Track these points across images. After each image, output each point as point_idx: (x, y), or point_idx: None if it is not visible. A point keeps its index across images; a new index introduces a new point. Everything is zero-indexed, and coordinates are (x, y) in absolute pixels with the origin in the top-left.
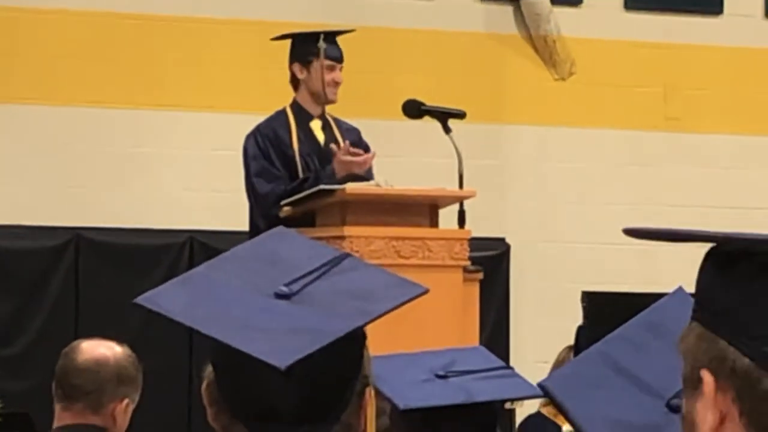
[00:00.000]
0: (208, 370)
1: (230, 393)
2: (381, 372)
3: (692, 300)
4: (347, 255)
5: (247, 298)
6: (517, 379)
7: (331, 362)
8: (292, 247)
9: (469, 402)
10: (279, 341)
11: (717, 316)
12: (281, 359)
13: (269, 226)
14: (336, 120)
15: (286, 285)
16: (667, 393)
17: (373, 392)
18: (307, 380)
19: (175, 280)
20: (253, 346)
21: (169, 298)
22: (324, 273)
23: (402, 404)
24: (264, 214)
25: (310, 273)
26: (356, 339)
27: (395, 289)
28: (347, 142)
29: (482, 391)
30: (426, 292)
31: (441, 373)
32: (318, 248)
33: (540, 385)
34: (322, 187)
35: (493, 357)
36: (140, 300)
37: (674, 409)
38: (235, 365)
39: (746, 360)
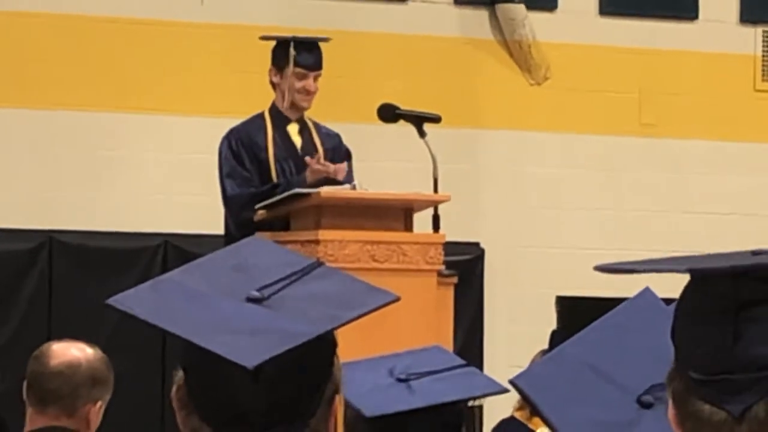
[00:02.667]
0: (179, 374)
1: (199, 396)
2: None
3: (658, 299)
4: (320, 263)
5: (217, 302)
6: (479, 377)
7: (300, 367)
8: (266, 255)
9: (433, 404)
10: (247, 342)
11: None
12: (248, 359)
13: (239, 229)
14: (316, 124)
15: (258, 290)
16: (637, 389)
17: (342, 400)
18: (275, 384)
19: (146, 283)
20: (220, 346)
21: (140, 300)
22: (296, 279)
23: (368, 412)
24: (233, 216)
25: (283, 279)
26: (326, 345)
27: (366, 295)
28: (319, 153)
29: (445, 391)
30: (397, 299)
31: (402, 376)
32: (292, 256)
33: (511, 382)
34: (296, 190)
35: (451, 355)
36: (111, 301)
37: (645, 405)
38: (204, 368)
39: (680, 384)
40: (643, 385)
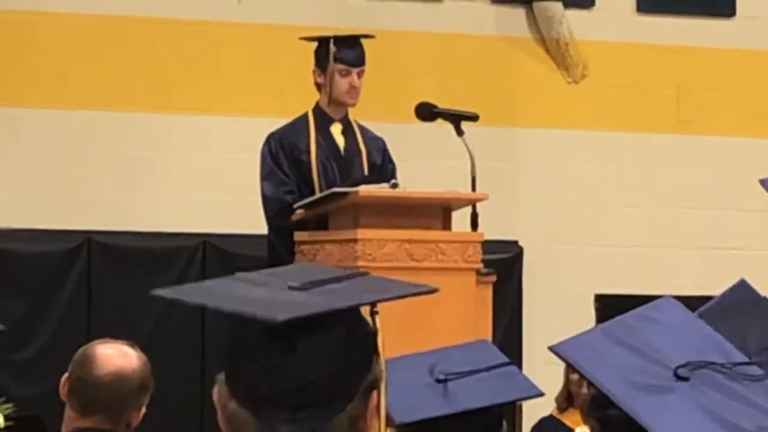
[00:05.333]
0: (221, 376)
1: (237, 379)
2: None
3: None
4: (364, 273)
5: (259, 289)
6: (517, 378)
7: (338, 349)
8: (312, 268)
9: (467, 409)
10: (277, 308)
11: None
12: (275, 316)
13: (274, 233)
14: (361, 127)
15: (300, 284)
16: (674, 363)
17: (382, 396)
18: (311, 363)
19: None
20: (250, 309)
21: (184, 290)
22: (340, 280)
23: (397, 418)
24: (267, 219)
25: (326, 280)
26: (365, 333)
27: (403, 285)
28: (362, 155)
29: (480, 396)
30: (436, 290)
31: (441, 377)
32: (335, 270)
33: (551, 348)
34: (334, 189)
35: (495, 352)
36: (157, 292)
37: (682, 378)
38: (242, 347)
39: None
40: (681, 360)
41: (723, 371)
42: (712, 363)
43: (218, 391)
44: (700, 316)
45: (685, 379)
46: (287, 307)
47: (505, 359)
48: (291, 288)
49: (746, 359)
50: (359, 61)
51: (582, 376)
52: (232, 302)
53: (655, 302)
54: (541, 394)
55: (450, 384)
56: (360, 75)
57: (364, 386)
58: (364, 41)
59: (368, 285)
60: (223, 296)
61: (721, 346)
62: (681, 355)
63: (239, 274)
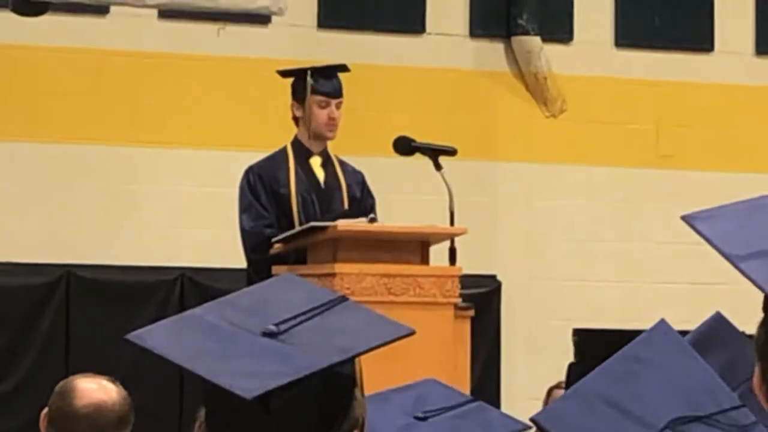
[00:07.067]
0: (201, 411)
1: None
2: None
3: (673, 331)
4: (344, 298)
5: (233, 337)
6: (495, 413)
7: (314, 402)
8: (292, 290)
9: None
10: (251, 374)
11: None
12: (248, 390)
13: (254, 268)
14: (341, 161)
15: (275, 324)
16: (658, 423)
17: None
18: (287, 420)
19: (168, 319)
20: (223, 377)
21: (158, 336)
22: (317, 314)
23: None
24: (245, 252)
25: (302, 314)
26: (343, 380)
27: (381, 328)
28: (342, 188)
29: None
30: (412, 333)
31: (420, 414)
32: (317, 292)
33: (533, 419)
34: (313, 224)
35: (453, 389)
36: (130, 336)
37: None
38: (221, 403)
39: None
40: (663, 420)
41: (710, 424)
42: (699, 417)
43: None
44: None
45: None
46: (258, 376)
47: (468, 396)
48: (265, 334)
49: (738, 403)
50: (337, 92)
51: None
52: (201, 363)
53: (650, 335)
54: (529, 427)
55: (431, 420)
56: (338, 106)
57: (344, 431)
58: (341, 74)
59: (345, 324)
60: (195, 352)
61: (712, 389)
62: (670, 409)
63: (213, 306)
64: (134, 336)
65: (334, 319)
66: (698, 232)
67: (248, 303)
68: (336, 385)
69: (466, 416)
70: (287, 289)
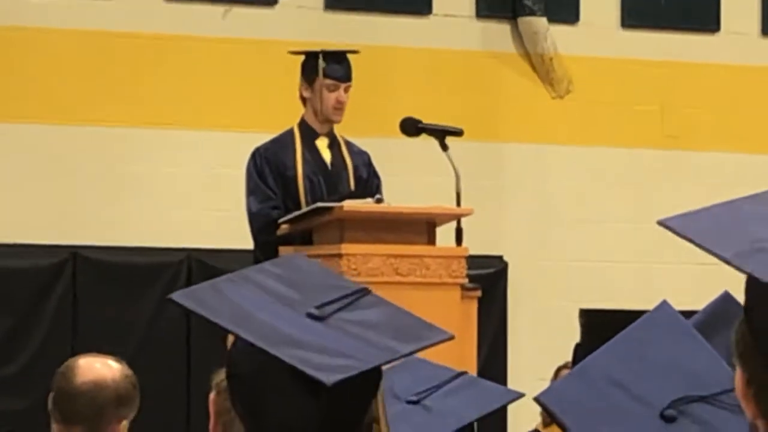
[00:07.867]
0: (218, 378)
1: (250, 405)
2: None
3: (675, 313)
4: (368, 290)
5: (282, 313)
6: (486, 385)
7: (353, 391)
8: (312, 274)
9: (463, 425)
10: (320, 359)
11: None
12: (327, 376)
13: (259, 249)
14: (347, 141)
15: (316, 308)
16: (660, 404)
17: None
18: (332, 404)
19: (204, 284)
20: (296, 359)
21: (203, 300)
22: (349, 304)
23: None
24: (252, 234)
25: (336, 301)
26: (377, 373)
27: (421, 331)
28: (348, 169)
29: (468, 408)
30: (452, 338)
31: (413, 398)
32: (337, 279)
33: (536, 399)
34: (319, 204)
35: (439, 365)
36: (174, 296)
37: (668, 420)
38: (263, 378)
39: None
40: (666, 400)
41: (713, 403)
42: (702, 397)
43: (215, 400)
44: None
45: (672, 420)
46: (329, 362)
47: (455, 370)
48: (309, 316)
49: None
50: (347, 77)
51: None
52: (262, 336)
53: (651, 316)
54: (522, 395)
55: (424, 403)
56: (347, 90)
57: (367, 421)
58: (350, 55)
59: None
60: (248, 322)
61: (714, 369)
62: (667, 392)
63: (250, 273)
64: (180, 296)
65: (369, 313)
66: (679, 234)
67: (275, 279)
68: (372, 376)
69: (458, 391)
70: (306, 271)
